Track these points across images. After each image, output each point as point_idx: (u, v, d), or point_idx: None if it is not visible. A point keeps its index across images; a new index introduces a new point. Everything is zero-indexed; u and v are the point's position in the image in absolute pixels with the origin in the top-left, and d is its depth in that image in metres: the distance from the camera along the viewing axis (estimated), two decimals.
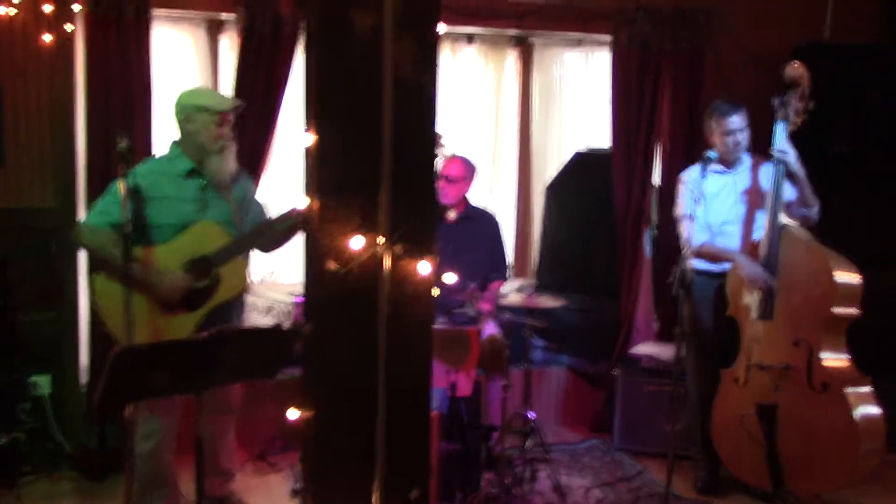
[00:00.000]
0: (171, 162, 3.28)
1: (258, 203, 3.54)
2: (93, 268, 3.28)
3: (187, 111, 3.25)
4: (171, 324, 3.13)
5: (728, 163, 3.97)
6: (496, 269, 4.43)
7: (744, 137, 3.89)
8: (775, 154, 3.67)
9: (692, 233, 3.82)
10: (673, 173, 4.77)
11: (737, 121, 3.86)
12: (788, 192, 3.80)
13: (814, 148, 3.72)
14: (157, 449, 3.24)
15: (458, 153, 4.34)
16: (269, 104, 4.37)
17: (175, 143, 3.34)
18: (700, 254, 3.90)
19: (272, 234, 3.38)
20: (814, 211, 3.80)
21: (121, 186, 2.92)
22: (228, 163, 3.30)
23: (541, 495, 3.91)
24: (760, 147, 3.96)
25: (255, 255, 4.86)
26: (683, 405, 4.18)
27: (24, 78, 4.17)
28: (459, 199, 4.29)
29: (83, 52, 4.18)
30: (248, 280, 3.31)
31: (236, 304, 3.35)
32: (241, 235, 3.25)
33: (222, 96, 3.49)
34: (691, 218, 3.83)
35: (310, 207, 1.77)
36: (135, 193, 3.09)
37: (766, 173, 3.80)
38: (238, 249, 3.22)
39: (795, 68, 3.70)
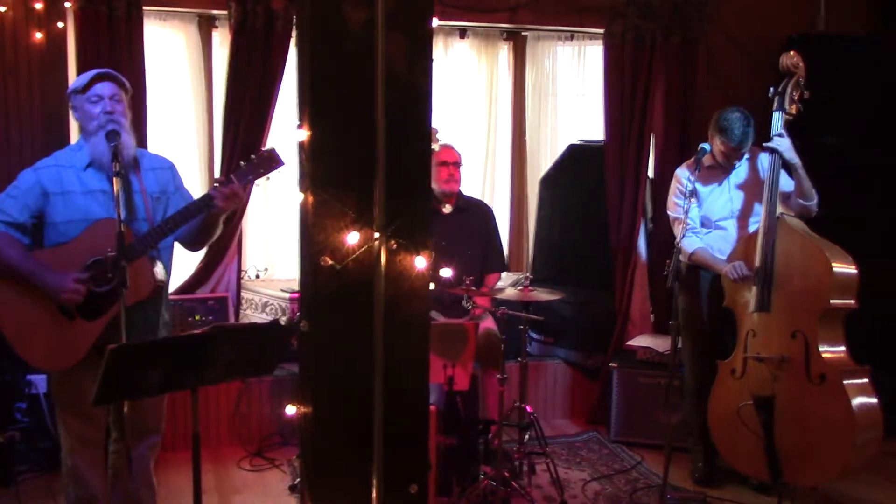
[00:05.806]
0: (73, 154, 3.04)
1: (185, 197, 3.16)
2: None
3: (69, 99, 3.08)
4: (74, 333, 2.87)
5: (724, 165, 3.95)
6: (493, 260, 4.43)
7: (745, 151, 3.85)
8: (772, 144, 3.66)
9: (685, 236, 3.81)
10: (666, 165, 4.77)
11: (743, 146, 3.79)
12: (787, 184, 3.80)
13: (803, 139, 3.72)
14: (77, 466, 3.06)
15: (444, 141, 4.35)
16: (262, 99, 4.35)
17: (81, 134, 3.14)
18: (691, 261, 3.92)
19: (192, 228, 3.09)
20: (813, 203, 3.79)
21: (116, 183, 2.80)
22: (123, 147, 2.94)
23: (539, 488, 3.92)
24: (756, 138, 3.96)
25: (249, 253, 4.96)
26: (680, 397, 4.19)
27: (15, 76, 4.15)
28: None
29: (74, 49, 4.16)
30: (158, 279, 3.00)
31: (148, 306, 3.01)
32: (148, 231, 2.93)
33: (90, 74, 3.09)
34: (685, 217, 3.82)
35: (304, 202, 1.77)
36: (36, 190, 2.91)
37: (763, 163, 3.79)
38: (144, 247, 2.90)
39: (791, 57, 3.70)
